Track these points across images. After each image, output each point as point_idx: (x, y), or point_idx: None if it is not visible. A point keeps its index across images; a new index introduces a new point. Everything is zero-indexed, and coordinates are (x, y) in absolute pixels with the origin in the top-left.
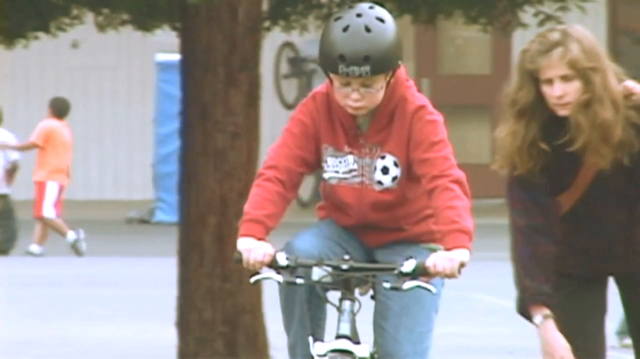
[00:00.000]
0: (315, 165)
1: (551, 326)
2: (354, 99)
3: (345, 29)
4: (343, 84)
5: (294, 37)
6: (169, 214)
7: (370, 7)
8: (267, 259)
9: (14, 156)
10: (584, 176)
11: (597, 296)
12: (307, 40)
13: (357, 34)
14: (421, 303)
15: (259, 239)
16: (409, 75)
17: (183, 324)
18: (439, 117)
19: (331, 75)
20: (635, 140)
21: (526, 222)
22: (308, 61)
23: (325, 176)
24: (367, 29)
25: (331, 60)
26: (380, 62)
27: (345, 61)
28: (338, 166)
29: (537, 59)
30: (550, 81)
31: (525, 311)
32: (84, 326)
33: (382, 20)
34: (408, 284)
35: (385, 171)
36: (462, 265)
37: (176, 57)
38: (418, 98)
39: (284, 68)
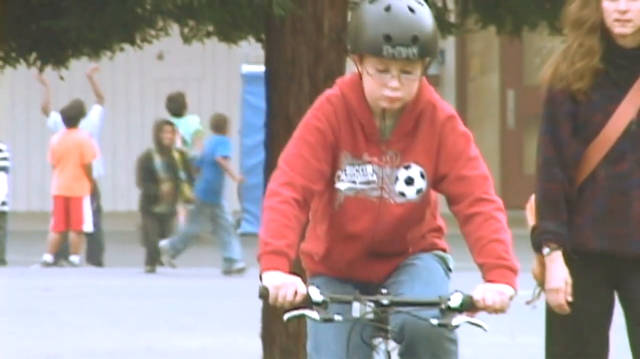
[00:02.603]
0: (330, 179)
1: (555, 256)
2: (393, 87)
3: (387, 9)
4: (380, 70)
5: None
6: (254, 226)
7: None
8: (300, 298)
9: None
10: (617, 121)
11: (604, 305)
12: None
13: (401, 14)
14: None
15: (285, 273)
16: (494, 87)
17: (268, 335)
18: (468, 131)
19: (367, 60)
20: None
21: (544, 156)
22: None
23: (341, 186)
24: (411, 10)
25: (373, 42)
26: (428, 45)
27: (390, 41)
28: (355, 175)
29: None
30: None
31: (536, 248)
32: (170, 336)
33: (420, 3)
34: (457, 321)
35: (409, 181)
36: (510, 299)
37: (261, 68)
38: (447, 106)
39: None
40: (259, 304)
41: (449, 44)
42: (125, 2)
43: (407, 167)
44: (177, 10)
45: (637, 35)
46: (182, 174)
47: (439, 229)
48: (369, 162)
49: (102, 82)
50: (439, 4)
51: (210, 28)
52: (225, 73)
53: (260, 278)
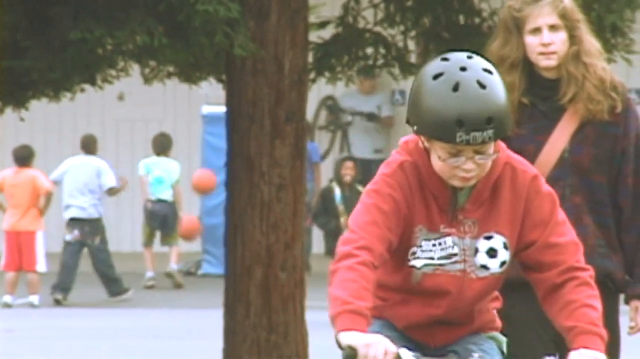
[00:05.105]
0: (402, 255)
1: None
2: (467, 169)
3: (455, 88)
4: (452, 154)
5: (331, 89)
6: (215, 267)
7: (469, 57)
8: (390, 357)
9: None
10: (550, 151)
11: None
12: (344, 93)
13: (472, 93)
14: None
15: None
16: None
17: None
18: (552, 190)
19: (437, 144)
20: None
21: None
22: (346, 113)
23: (416, 263)
24: (482, 85)
25: (444, 128)
26: (503, 123)
27: (464, 127)
28: (433, 251)
29: (526, 8)
30: (537, 30)
31: None
32: None
33: (490, 72)
34: None
35: (492, 253)
36: None
37: (222, 109)
38: (527, 165)
39: (321, 119)
40: (220, 345)
41: (409, 85)
42: (86, 43)
43: (488, 238)
44: (138, 50)
45: (559, 66)
46: None
47: (497, 298)
48: (448, 234)
49: (63, 123)
50: (400, 44)
51: (171, 69)
52: (186, 114)
53: (336, 338)
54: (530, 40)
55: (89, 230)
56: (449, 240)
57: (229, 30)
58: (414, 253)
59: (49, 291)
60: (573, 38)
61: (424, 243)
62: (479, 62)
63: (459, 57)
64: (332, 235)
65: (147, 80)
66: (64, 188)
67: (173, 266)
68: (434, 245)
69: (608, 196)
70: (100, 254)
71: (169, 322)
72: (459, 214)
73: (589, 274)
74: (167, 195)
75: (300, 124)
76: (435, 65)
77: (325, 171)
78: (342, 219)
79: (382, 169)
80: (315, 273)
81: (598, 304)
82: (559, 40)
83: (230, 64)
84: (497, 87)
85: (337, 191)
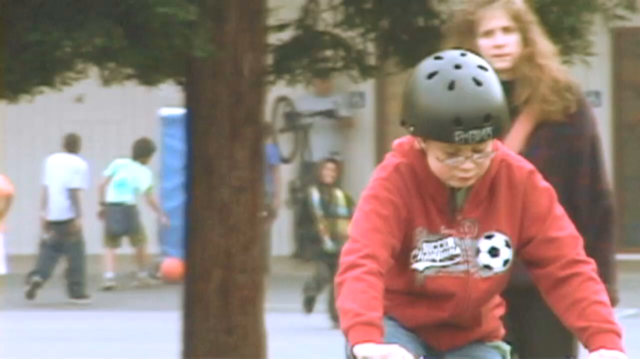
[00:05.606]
0: (404, 259)
1: None
2: (466, 168)
3: (451, 87)
4: (450, 153)
5: (288, 91)
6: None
7: (463, 55)
8: None
9: None
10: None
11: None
12: (300, 95)
13: (469, 91)
14: None
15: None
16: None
17: None
18: (549, 185)
19: (435, 145)
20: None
21: None
22: (304, 115)
23: (418, 266)
24: (478, 82)
25: (441, 127)
26: (501, 120)
27: (462, 125)
28: (434, 252)
29: (479, 11)
30: (490, 33)
31: None
32: None
33: (485, 69)
34: None
35: (493, 252)
36: None
37: (180, 111)
38: (523, 161)
39: (279, 122)
40: (178, 347)
41: (367, 86)
42: (44, 45)
43: (489, 237)
44: (97, 53)
45: (513, 68)
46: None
47: (501, 304)
48: (449, 235)
49: (22, 126)
50: (359, 47)
51: (130, 71)
52: (145, 116)
53: (351, 350)
54: (484, 42)
55: (65, 230)
56: (450, 241)
57: (188, 32)
58: (415, 256)
59: (5, 293)
60: (526, 40)
61: (425, 245)
62: (473, 59)
63: (452, 55)
64: (308, 241)
65: (105, 82)
66: (48, 188)
67: (142, 273)
68: (435, 247)
69: (564, 197)
70: (76, 253)
71: (127, 324)
72: (457, 215)
73: (591, 267)
74: (126, 198)
75: (258, 127)
76: (428, 64)
77: (288, 174)
78: (320, 226)
79: (378, 173)
80: (277, 275)
81: (606, 298)
82: (512, 42)
83: (189, 66)
84: (493, 83)
85: (316, 196)
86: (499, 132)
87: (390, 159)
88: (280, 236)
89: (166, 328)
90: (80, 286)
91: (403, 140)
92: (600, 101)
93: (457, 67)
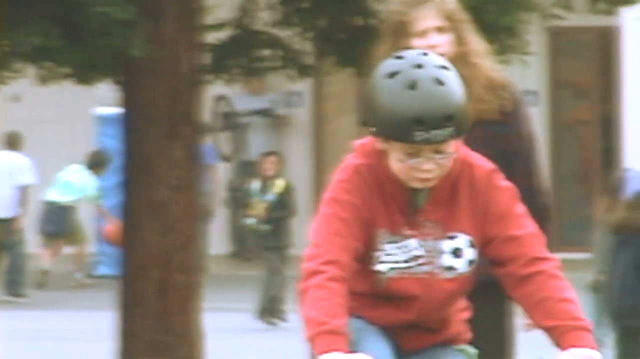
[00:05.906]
0: (365, 260)
1: None
2: (427, 169)
3: (412, 86)
4: (411, 155)
5: (226, 90)
6: (110, 268)
7: (424, 54)
8: None
9: None
10: None
11: None
12: (237, 94)
13: (430, 91)
14: None
15: (345, 353)
16: (351, 129)
17: None
18: (510, 184)
19: (396, 145)
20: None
21: None
22: (242, 115)
23: (381, 268)
24: (439, 82)
25: (402, 128)
26: (463, 120)
27: (423, 125)
28: (397, 254)
29: (412, 11)
30: (423, 33)
31: None
32: None
33: (446, 68)
34: None
35: (457, 253)
36: None
37: (116, 110)
38: (483, 160)
39: (218, 121)
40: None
41: (304, 85)
42: None
43: (451, 238)
44: (34, 52)
45: None
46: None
47: (467, 308)
48: (412, 236)
49: None
50: (297, 46)
51: (68, 70)
52: (83, 115)
53: None
54: (417, 43)
55: (8, 228)
56: (412, 242)
57: (126, 31)
58: (377, 257)
59: None
60: (459, 39)
61: (387, 247)
62: (434, 59)
63: (413, 55)
64: (239, 235)
65: (42, 81)
66: None
67: (78, 274)
68: (398, 248)
69: None
70: (16, 252)
71: (62, 323)
72: (419, 216)
73: (553, 264)
74: (65, 199)
75: (196, 126)
76: (389, 64)
77: (227, 174)
78: (254, 212)
79: (338, 175)
80: (216, 274)
81: (572, 294)
82: (446, 41)
83: (127, 65)
84: (455, 83)
85: (255, 185)
86: (461, 132)
87: (351, 160)
88: (219, 236)
89: (102, 328)
90: (18, 285)
91: (364, 141)
92: (537, 100)
93: (419, 66)
